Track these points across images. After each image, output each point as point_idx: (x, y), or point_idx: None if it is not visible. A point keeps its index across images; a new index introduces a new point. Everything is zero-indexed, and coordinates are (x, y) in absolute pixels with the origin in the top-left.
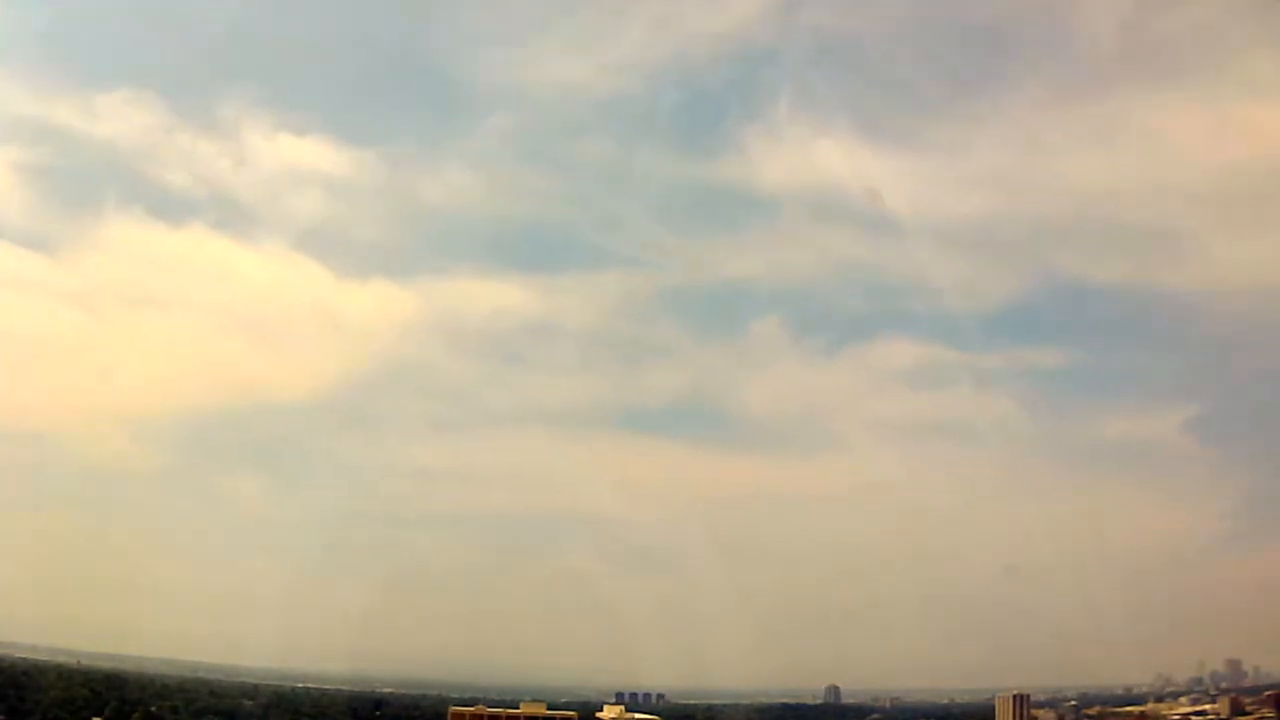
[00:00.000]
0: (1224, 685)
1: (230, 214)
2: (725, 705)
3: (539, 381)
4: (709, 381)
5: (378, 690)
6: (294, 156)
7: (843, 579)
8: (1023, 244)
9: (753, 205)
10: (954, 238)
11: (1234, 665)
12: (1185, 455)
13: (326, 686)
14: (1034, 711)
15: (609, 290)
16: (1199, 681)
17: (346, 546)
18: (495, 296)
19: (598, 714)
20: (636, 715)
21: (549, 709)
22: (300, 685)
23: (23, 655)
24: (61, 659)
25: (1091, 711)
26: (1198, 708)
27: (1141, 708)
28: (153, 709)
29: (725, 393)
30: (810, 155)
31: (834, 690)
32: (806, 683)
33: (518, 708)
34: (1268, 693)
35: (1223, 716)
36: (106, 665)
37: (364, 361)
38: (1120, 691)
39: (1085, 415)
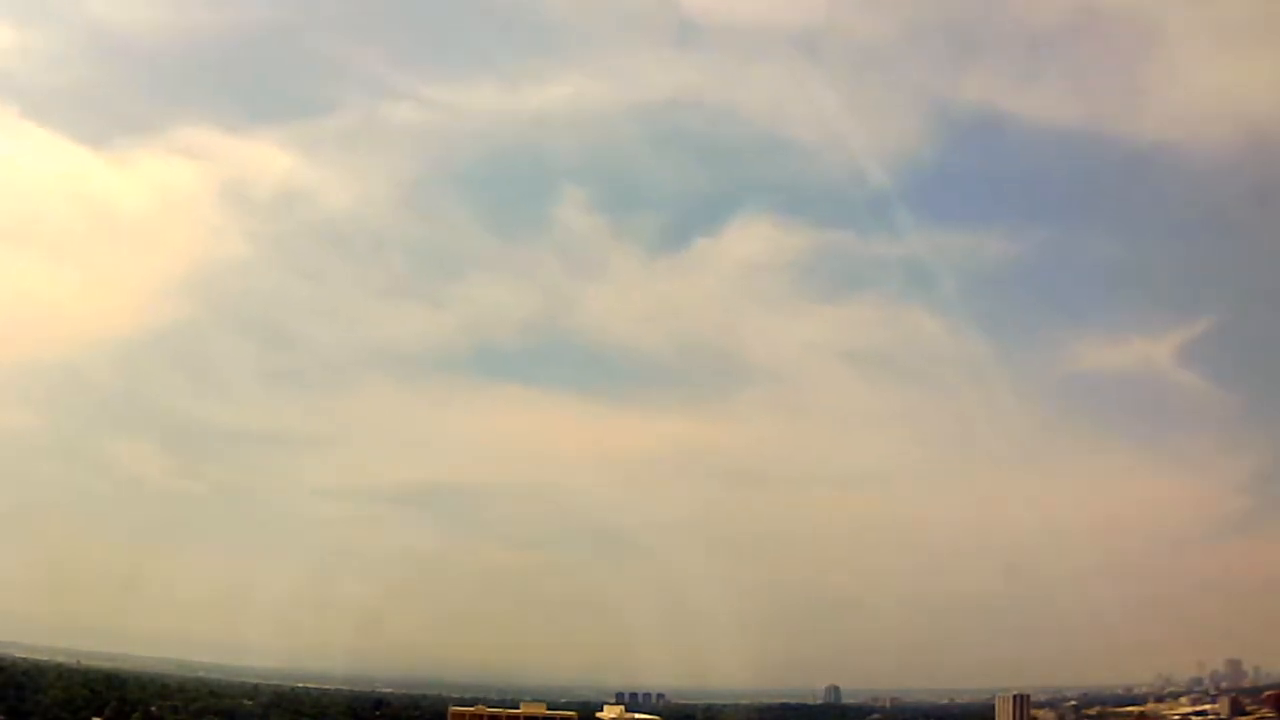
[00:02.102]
0: (1224, 685)
1: None
2: (725, 705)
3: (365, 308)
4: (549, 302)
5: (378, 690)
6: None
7: (831, 573)
8: (928, 64)
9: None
10: (826, 56)
11: (1234, 665)
12: (1181, 394)
13: (326, 686)
14: (1034, 711)
15: (386, 168)
16: (1199, 681)
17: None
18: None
19: (598, 714)
20: (636, 715)
21: (549, 709)
22: (300, 685)
23: (23, 655)
24: (61, 659)
25: (1091, 711)
26: (1198, 708)
27: (1141, 708)
28: (153, 709)
29: (576, 316)
30: None
31: (834, 690)
32: (807, 683)
33: (518, 708)
34: (1268, 693)
35: (1223, 716)
36: (106, 665)
37: (170, 278)
38: (1120, 691)
39: (1048, 337)
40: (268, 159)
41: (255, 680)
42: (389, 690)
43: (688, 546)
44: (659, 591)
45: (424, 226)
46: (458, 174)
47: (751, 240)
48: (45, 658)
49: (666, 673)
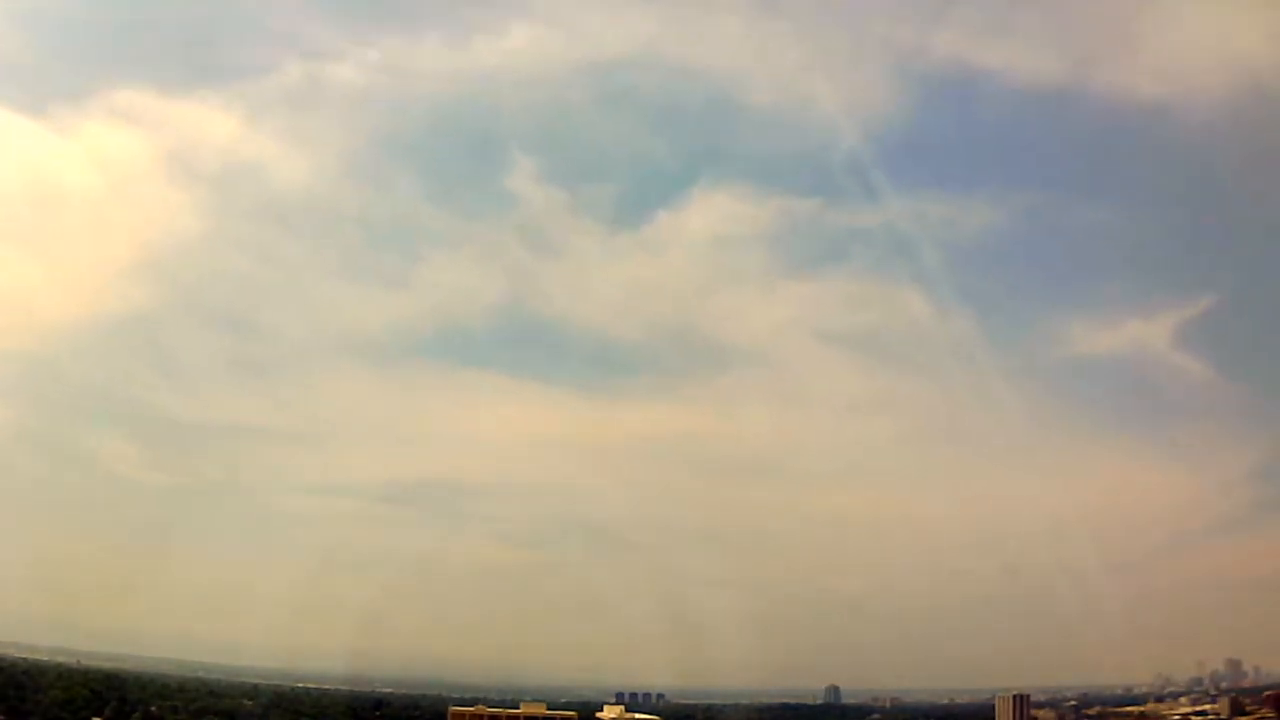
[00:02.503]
0: (1224, 685)
1: None
2: (725, 705)
3: (325, 290)
4: (514, 284)
5: (378, 690)
6: None
7: (839, 581)
8: (897, 16)
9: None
10: (787, 9)
11: (1234, 665)
12: (1179, 380)
13: (326, 686)
14: (1034, 712)
15: (331, 135)
16: (1199, 681)
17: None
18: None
19: (598, 714)
20: (636, 715)
21: (549, 709)
22: (300, 685)
23: (23, 655)
24: (61, 659)
25: (1091, 711)
26: (1198, 708)
27: (1141, 708)
28: (153, 709)
29: (542, 299)
30: None
31: (834, 690)
32: (807, 683)
33: (518, 708)
34: (1268, 693)
35: (1223, 716)
36: (106, 665)
37: (124, 260)
38: (1120, 691)
39: (1037, 318)
40: (210, 124)
41: (255, 680)
42: (389, 690)
43: (681, 544)
44: (655, 590)
45: (374, 199)
46: (405, 142)
47: (715, 212)
48: (45, 658)
49: (666, 673)
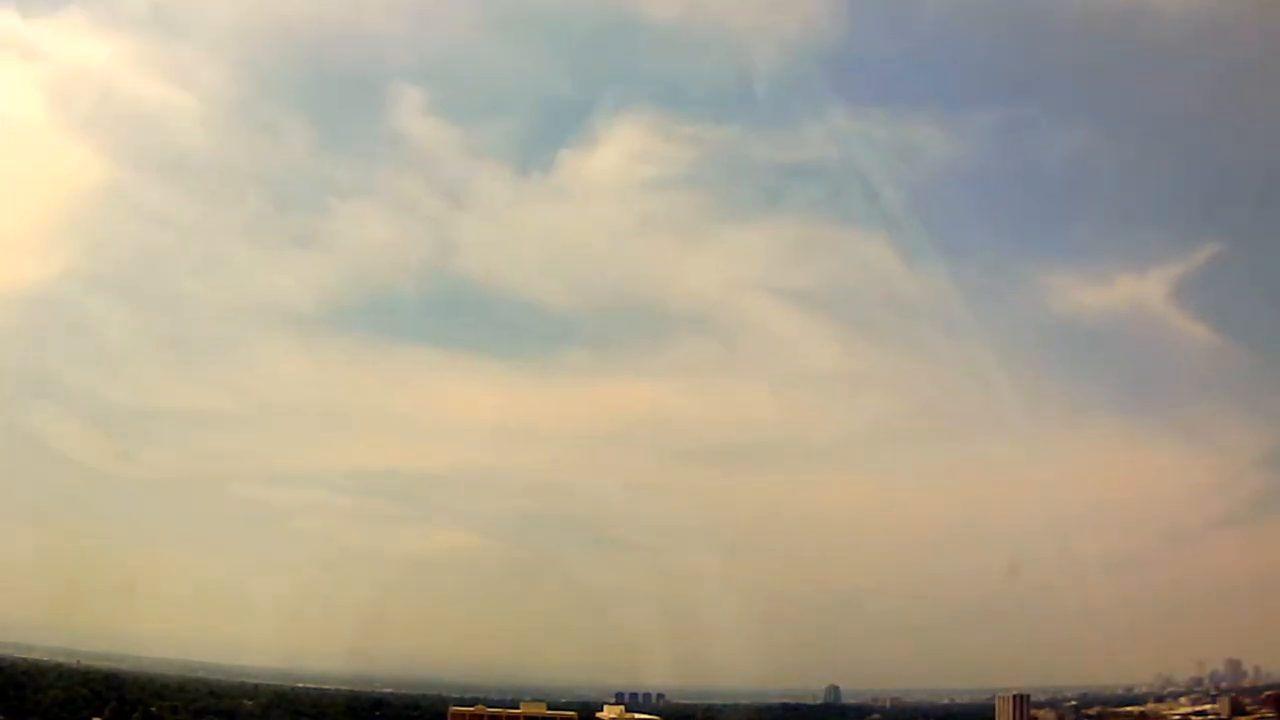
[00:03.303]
0: (1224, 685)
1: None
2: (725, 705)
3: (235, 255)
4: (429, 241)
5: (378, 690)
6: None
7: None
8: None
9: None
10: None
11: (1234, 665)
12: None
13: (326, 686)
14: (1034, 711)
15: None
16: (1199, 681)
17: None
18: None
19: (598, 714)
20: (636, 715)
21: (549, 709)
22: (300, 685)
23: (23, 655)
24: (61, 659)
25: (1091, 711)
26: (1198, 708)
27: (1141, 708)
28: (153, 709)
29: (462, 260)
30: None
31: (834, 690)
32: (807, 683)
33: (518, 708)
34: (1268, 693)
35: (1223, 716)
36: (106, 665)
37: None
38: (1120, 691)
39: (1014, 271)
40: (87, 52)
41: (255, 680)
42: (389, 690)
43: (665, 538)
44: (643, 588)
45: (263, 146)
46: (283, 80)
47: (624, 147)
48: (45, 658)
49: (665, 673)
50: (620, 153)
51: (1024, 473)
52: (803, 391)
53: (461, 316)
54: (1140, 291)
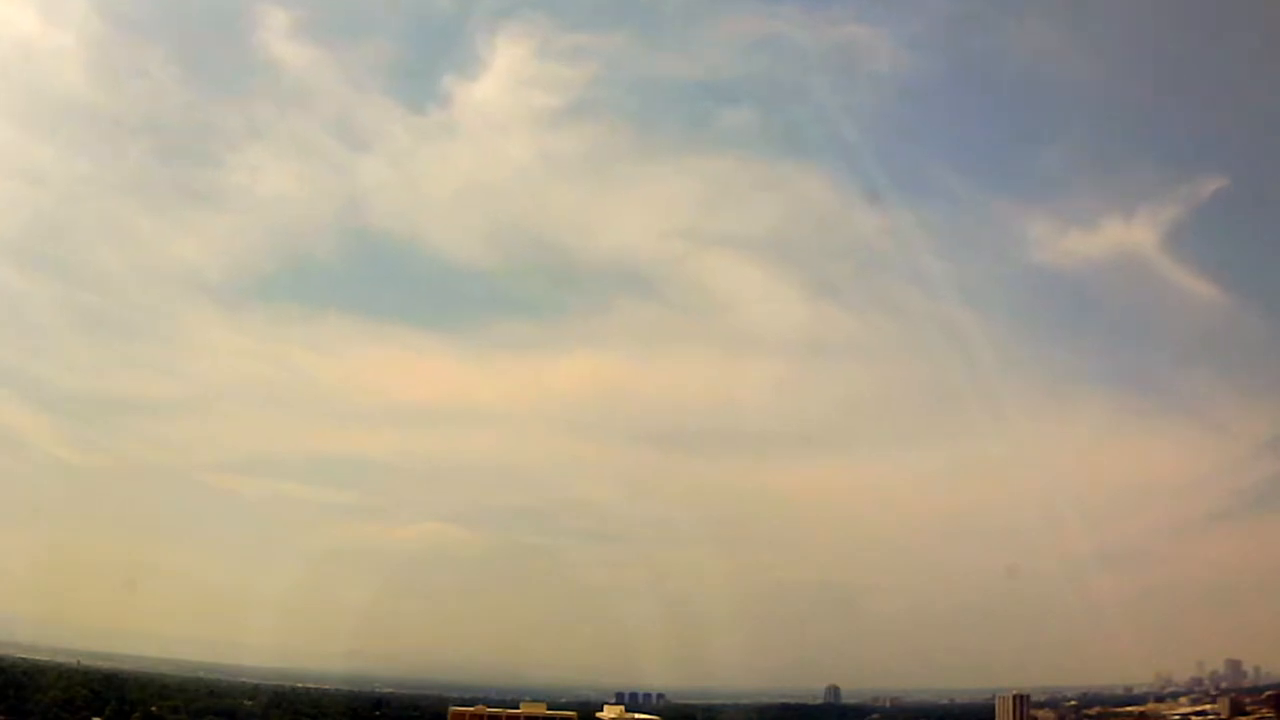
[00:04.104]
0: (1224, 685)
1: None
2: (725, 705)
3: (138, 219)
4: (335, 191)
5: (378, 690)
6: None
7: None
8: None
9: None
10: None
11: (1234, 665)
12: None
13: (326, 686)
14: (1034, 711)
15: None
16: (1199, 681)
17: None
18: None
19: (598, 714)
20: (636, 715)
21: (549, 709)
22: (300, 685)
23: (23, 655)
24: (61, 659)
25: (1091, 711)
26: (1198, 708)
27: (1141, 708)
28: (153, 709)
29: (367, 211)
30: None
31: (834, 690)
32: (807, 683)
33: (518, 708)
34: (1268, 693)
35: (1223, 716)
36: (106, 665)
37: None
38: (1120, 691)
39: (986, 213)
40: None
41: (255, 680)
42: (389, 690)
43: (639, 528)
44: (628, 582)
45: (133, 89)
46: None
47: (517, 72)
48: (45, 658)
49: (665, 672)
50: (508, 77)
51: (1013, 461)
52: (767, 363)
53: (384, 280)
54: (1129, 239)
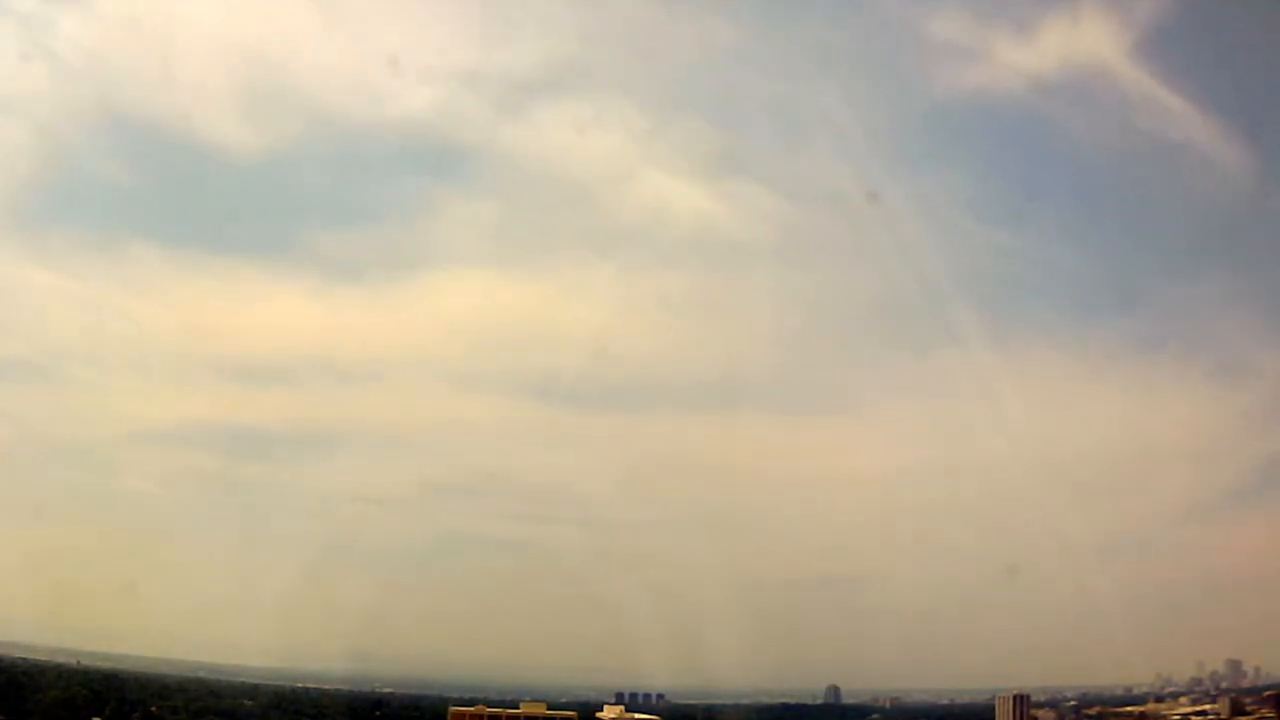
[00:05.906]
0: (1224, 685)
1: None
2: (725, 705)
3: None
4: (76, 70)
5: (378, 690)
6: None
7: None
8: None
9: None
10: None
11: (1234, 665)
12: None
13: (326, 686)
14: (1034, 711)
15: None
16: (1199, 681)
17: None
18: None
19: (598, 714)
20: (636, 715)
21: (549, 709)
22: (300, 685)
23: (23, 655)
24: (61, 659)
25: (1091, 711)
26: (1198, 708)
27: (1141, 708)
28: (153, 709)
29: (123, 87)
30: None
31: (834, 690)
32: (807, 683)
33: (518, 708)
34: (1268, 693)
35: (1223, 716)
36: (106, 665)
37: None
38: (1120, 691)
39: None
40: None
41: (255, 680)
42: (389, 690)
43: (608, 512)
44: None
45: None
46: None
47: None
48: (45, 658)
49: (666, 672)
50: None
51: (995, 422)
52: (711, 325)
53: (188, 195)
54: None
